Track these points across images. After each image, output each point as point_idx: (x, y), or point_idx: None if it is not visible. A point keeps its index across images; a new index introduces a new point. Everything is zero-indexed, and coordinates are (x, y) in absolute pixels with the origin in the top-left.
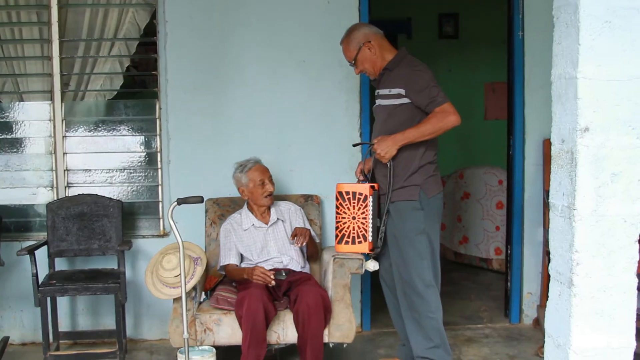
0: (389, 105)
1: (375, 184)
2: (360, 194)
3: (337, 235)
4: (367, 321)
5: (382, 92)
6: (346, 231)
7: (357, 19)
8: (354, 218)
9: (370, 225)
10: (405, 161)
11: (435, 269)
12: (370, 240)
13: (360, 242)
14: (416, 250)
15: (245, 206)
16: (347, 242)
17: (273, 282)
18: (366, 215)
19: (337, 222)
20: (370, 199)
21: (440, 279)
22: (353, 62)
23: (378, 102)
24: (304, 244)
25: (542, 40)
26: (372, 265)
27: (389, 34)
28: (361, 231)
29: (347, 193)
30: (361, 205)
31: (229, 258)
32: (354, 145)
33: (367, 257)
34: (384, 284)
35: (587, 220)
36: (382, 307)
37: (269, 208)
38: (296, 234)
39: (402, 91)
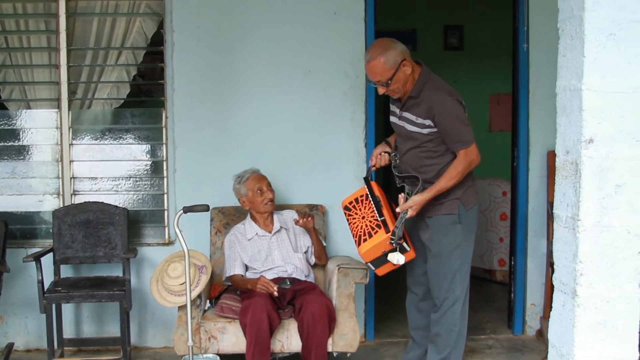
0: (415, 133)
1: (371, 182)
2: (361, 196)
3: (356, 242)
4: (370, 331)
5: (407, 115)
6: (361, 231)
7: (364, 29)
8: (363, 217)
9: (377, 213)
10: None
11: (466, 280)
12: (384, 229)
13: (376, 232)
14: (451, 265)
15: (248, 216)
16: (365, 240)
17: (275, 292)
18: (372, 208)
19: (353, 231)
20: (367, 193)
21: (469, 286)
22: (388, 82)
23: (402, 124)
24: (309, 222)
25: (547, 52)
26: (397, 258)
27: None
28: (373, 223)
29: (351, 202)
30: (365, 204)
31: (234, 269)
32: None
33: (388, 253)
34: (412, 292)
35: (591, 231)
36: (386, 317)
37: (272, 217)
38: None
39: (431, 123)
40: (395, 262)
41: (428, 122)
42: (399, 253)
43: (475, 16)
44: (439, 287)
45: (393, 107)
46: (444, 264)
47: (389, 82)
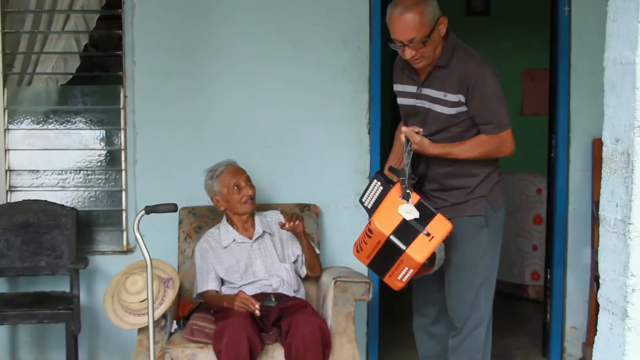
0: (439, 114)
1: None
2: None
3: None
4: (374, 358)
5: (429, 92)
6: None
7: None
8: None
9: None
10: (469, 168)
11: (491, 296)
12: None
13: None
14: (477, 278)
15: (224, 219)
16: (359, 250)
17: (257, 311)
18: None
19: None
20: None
21: (492, 302)
22: (425, 40)
23: (420, 103)
24: (297, 226)
25: (593, 17)
26: (406, 210)
27: None
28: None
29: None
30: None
31: (206, 284)
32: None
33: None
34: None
35: None
36: (391, 342)
37: (253, 219)
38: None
39: (462, 99)
40: (404, 214)
41: (458, 98)
42: (409, 204)
43: None
44: (460, 306)
45: (403, 86)
46: (467, 277)
47: (426, 40)
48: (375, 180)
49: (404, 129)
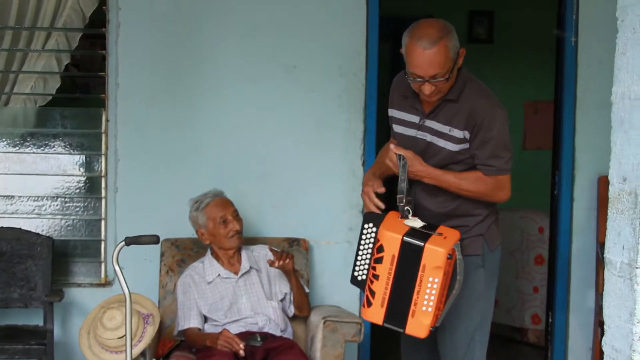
0: (445, 150)
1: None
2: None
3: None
4: None
5: (432, 125)
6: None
7: (365, 14)
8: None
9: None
10: (472, 207)
11: (486, 340)
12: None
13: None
14: (472, 322)
15: (208, 253)
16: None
17: (242, 351)
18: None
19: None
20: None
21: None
22: (448, 76)
23: (422, 136)
24: (285, 263)
25: (601, 48)
26: (412, 222)
27: (401, 31)
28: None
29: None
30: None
31: (189, 321)
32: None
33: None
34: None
35: None
36: None
37: (239, 253)
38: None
39: (468, 135)
40: (414, 224)
41: (464, 134)
42: (414, 218)
43: None
44: (453, 351)
45: (403, 114)
46: (462, 321)
47: (449, 76)
48: (366, 224)
49: (392, 146)
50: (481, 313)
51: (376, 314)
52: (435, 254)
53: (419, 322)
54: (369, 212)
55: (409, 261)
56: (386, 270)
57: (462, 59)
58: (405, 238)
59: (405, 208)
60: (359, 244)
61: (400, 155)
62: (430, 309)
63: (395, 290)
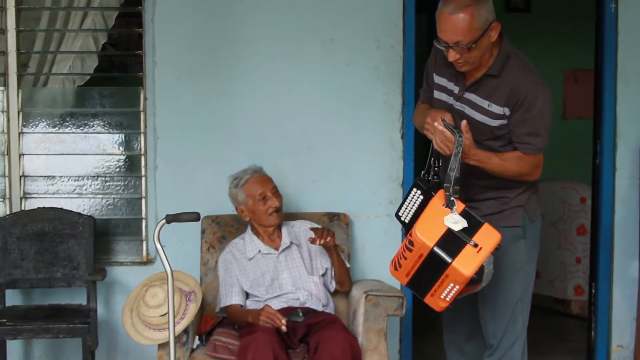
0: (482, 124)
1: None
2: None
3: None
4: None
5: (472, 98)
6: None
7: None
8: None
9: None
10: (511, 181)
11: (527, 311)
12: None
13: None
14: (512, 292)
15: (249, 229)
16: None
17: (284, 327)
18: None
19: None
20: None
21: (528, 319)
22: (471, 45)
23: (460, 107)
24: (327, 241)
25: None
26: (452, 220)
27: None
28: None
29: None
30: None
31: (230, 297)
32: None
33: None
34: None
35: None
36: (426, 359)
37: (279, 229)
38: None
39: (508, 112)
40: (453, 226)
41: (503, 110)
42: (455, 213)
43: None
44: (495, 323)
45: (444, 80)
46: (503, 292)
47: (472, 46)
48: (414, 189)
49: (463, 125)
50: (522, 284)
51: (401, 278)
52: (459, 275)
53: (436, 303)
54: (422, 180)
55: (433, 268)
56: (411, 263)
57: (496, 33)
58: (435, 249)
59: (452, 199)
60: (406, 198)
61: (458, 136)
62: (448, 299)
63: (417, 278)
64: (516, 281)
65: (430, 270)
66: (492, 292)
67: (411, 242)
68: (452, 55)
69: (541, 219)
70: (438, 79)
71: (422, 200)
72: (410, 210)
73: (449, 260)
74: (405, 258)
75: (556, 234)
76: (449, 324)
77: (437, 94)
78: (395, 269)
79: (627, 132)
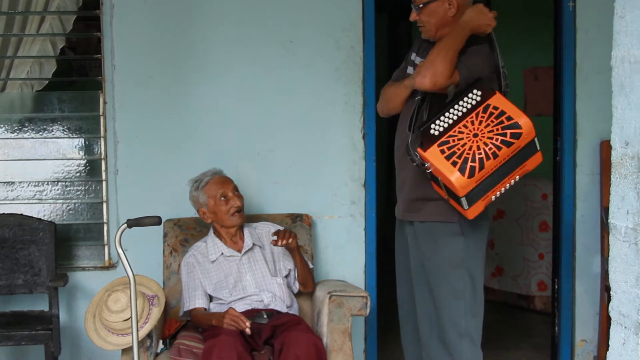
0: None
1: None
2: (495, 108)
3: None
4: None
5: (417, 61)
6: (458, 150)
7: None
8: (475, 135)
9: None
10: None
11: (475, 313)
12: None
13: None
14: (451, 288)
15: (211, 232)
16: (454, 163)
17: (248, 329)
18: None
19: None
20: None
21: (482, 325)
22: (420, 6)
23: (412, 71)
24: (289, 243)
25: (599, 12)
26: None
27: (398, 2)
28: (479, 154)
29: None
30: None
31: (194, 301)
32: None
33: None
34: (405, 322)
35: None
36: (391, 359)
37: (241, 231)
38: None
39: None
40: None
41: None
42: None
43: None
44: (435, 317)
45: (418, 58)
46: (440, 286)
47: (421, 6)
48: (476, 91)
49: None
50: (462, 280)
51: (469, 185)
52: (537, 160)
53: (480, 207)
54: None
55: (518, 158)
56: (505, 155)
57: (453, 8)
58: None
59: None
60: (456, 103)
61: None
62: (494, 198)
63: (489, 179)
64: (453, 278)
65: (510, 164)
66: (428, 287)
67: (515, 135)
68: (411, 15)
69: (487, 216)
70: (414, 57)
71: (480, 100)
72: (453, 117)
73: (538, 148)
74: (497, 156)
75: (519, 230)
76: (403, 323)
77: (409, 70)
78: (471, 175)
79: (587, 129)
